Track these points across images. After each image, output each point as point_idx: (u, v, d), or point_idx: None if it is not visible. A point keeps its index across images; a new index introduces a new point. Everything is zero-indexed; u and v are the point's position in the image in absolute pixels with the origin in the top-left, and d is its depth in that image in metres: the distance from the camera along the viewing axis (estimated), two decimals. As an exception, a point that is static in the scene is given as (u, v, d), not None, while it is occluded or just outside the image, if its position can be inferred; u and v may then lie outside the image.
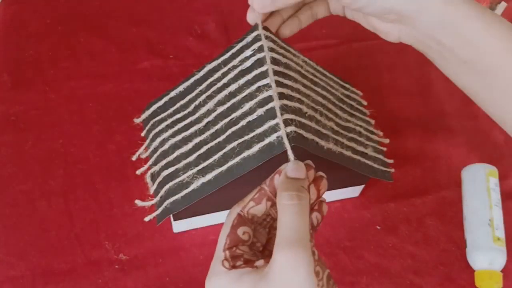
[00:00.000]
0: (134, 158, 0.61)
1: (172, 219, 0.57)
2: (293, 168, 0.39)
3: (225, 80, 0.51)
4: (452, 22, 0.44)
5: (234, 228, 0.39)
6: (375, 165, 0.58)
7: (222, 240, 0.39)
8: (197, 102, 0.53)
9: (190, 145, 0.52)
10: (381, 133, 0.62)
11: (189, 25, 0.79)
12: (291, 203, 0.36)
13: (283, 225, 0.36)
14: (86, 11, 0.79)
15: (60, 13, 0.78)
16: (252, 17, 0.49)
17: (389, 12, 0.45)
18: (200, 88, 0.54)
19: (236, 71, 0.50)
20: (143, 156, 0.61)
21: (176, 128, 0.54)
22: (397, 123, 0.72)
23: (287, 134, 0.44)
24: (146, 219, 0.55)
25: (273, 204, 0.41)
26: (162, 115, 0.57)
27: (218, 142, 0.49)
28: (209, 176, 0.48)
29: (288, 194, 0.37)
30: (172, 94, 0.57)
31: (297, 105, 0.47)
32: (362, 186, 0.64)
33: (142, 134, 0.61)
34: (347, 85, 0.62)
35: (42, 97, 0.69)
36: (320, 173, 0.41)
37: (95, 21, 0.78)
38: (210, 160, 0.49)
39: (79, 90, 0.70)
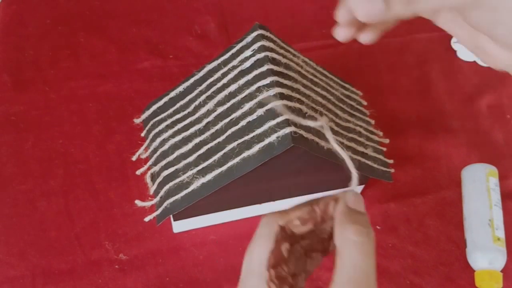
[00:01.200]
0: (134, 158, 0.62)
1: (172, 219, 0.57)
2: (354, 200, 0.35)
3: (225, 81, 0.51)
4: None
5: (278, 244, 0.35)
6: (375, 165, 0.58)
7: (263, 255, 0.34)
8: (197, 103, 0.53)
9: (190, 146, 0.52)
10: (381, 133, 0.62)
11: (189, 25, 0.79)
12: (361, 240, 0.32)
13: (349, 263, 0.32)
14: (86, 11, 0.79)
15: (60, 13, 0.78)
16: (342, 34, 0.40)
17: None
18: (200, 88, 0.54)
19: (236, 72, 0.50)
20: (143, 156, 0.61)
21: (176, 128, 0.54)
22: (397, 123, 0.72)
23: (288, 136, 0.44)
24: (146, 219, 0.55)
25: (315, 229, 0.37)
26: (162, 115, 0.57)
27: (218, 142, 0.49)
28: (209, 177, 0.48)
29: (357, 229, 0.33)
30: (172, 94, 0.57)
31: (297, 105, 0.47)
32: (362, 186, 0.64)
33: (142, 134, 0.61)
34: (347, 85, 0.62)
35: (42, 97, 0.69)
36: None
37: (95, 21, 0.78)
38: (210, 161, 0.49)
39: (79, 90, 0.70)
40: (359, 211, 0.34)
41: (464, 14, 0.37)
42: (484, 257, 0.60)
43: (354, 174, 0.36)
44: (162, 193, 0.53)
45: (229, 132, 0.48)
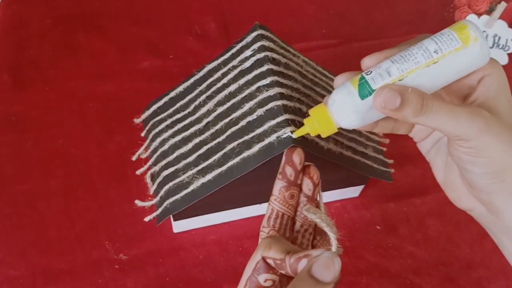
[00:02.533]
0: (134, 158, 0.61)
1: (172, 219, 0.57)
2: (322, 267, 0.32)
3: (225, 80, 0.51)
4: None
5: (255, 272, 0.35)
6: (375, 165, 0.58)
7: (243, 280, 0.35)
8: (197, 102, 0.53)
9: (190, 145, 0.52)
10: (381, 133, 0.62)
11: (189, 25, 0.79)
12: None
13: None
14: (86, 11, 0.79)
15: (60, 13, 0.78)
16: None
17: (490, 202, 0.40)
18: (200, 88, 0.54)
19: (236, 71, 0.50)
20: (143, 156, 0.61)
21: (176, 128, 0.54)
22: (397, 123, 0.72)
23: (288, 136, 0.44)
24: (146, 219, 0.55)
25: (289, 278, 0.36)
26: (162, 115, 0.57)
27: (218, 142, 0.49)
28: (209, 176, 0.48)
29: None
30: (172, 94, 0.57)
31: (297, 105, 0.47)
32: (362, 186, 0.64)
33: (142, 134, 0.61)
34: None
35: (42, 97, 0.69)
36: (307, 163, 0.39)
37: (95, 21, 0.78)
38: (210, 160, 0.49)
39: (79, 90, 0.70)
40: (319, 281, 0.32)
41: (453, 144, 0.39)
42: None
43: (333, 237, 0.35)
44: (162, 193, 0.53)
45: (229, 132, 0.48)
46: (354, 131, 0.57)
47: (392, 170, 0.61)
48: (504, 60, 0.80)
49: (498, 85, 0.39)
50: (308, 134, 0.45)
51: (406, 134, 0.46)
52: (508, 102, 0.39)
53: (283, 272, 0.34)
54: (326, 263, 0.32)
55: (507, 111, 0.39)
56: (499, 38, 0.79)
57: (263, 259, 0.35)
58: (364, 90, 0.37)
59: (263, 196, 0.56)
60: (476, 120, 0.36)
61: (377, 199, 0.66)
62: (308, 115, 0.40)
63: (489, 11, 0.79)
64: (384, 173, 0.59)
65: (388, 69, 0.37)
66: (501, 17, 0.78)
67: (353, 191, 0.64)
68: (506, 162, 0.37)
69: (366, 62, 0.39)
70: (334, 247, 0.34)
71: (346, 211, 0.65)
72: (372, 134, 0.60)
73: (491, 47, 0.80)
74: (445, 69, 0.37)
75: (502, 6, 0.77)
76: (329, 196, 0.63)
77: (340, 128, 0.54)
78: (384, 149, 0.61)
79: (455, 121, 0.36)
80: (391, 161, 0.61)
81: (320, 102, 0.52)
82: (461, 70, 0.37)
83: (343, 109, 0.38)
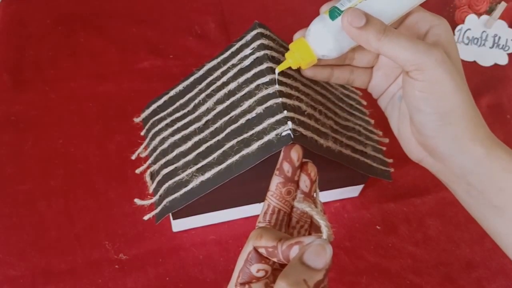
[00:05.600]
0: (133, 157, 0.61)
1: (171, 217, 0.57)
2: (314, 252, 0.33)
3: (224, 79, 0.51)
4: (489, 172, 0.41)
5: (247, 263, 0.35)
6: (375, 164, 0.58)
7: (235, 273, 0.36)
8: (196, 101, 0.54)
9: (189, 144, 0.52)
10: (380, 133, 0.62)
11: (189, 25, 0.79)
12: None
13: None
14: (86, 11, 0.79)
15: (60, 13, 0.78)
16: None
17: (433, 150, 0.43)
18: (200, 87, 0.54)
19: (235, 70, 0.50)
20: (143, 155, 0.61)
21: (175, 126, 0.54)
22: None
23: (287, 133, 0.44)
24: (145, 217, 0.55)
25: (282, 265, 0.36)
26: (162, 114, 0.57)
27: (218, 140, 0.49)
28: (208, 174, 0.48)
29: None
30: (172, 93, 0.57)
31: (296, 103, 0.47)
32: (361, 186, 0.64)
33: (142, 133, 0.61)
34: (346, 85, 0.62)
35: (42, 97, 0.69)
36: (304, 160, 0.39)
37: (95, 21, 0.78)
38: (210, 158, 0.49)
39: (79, 90, 0.70)
40: (311, 268, 0.32)
41: (408, 80, 0.41)
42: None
43: (323, 224, 0.35)
44: (161, 191, 0.53)
45: (228, 130, 0.48)
46: (353, 129, 0.57)
47: (392, 169, 0.61)
48: (504, 60, 0.80)
49: (448, 33, 0.42)
50: (307, 131, 0.46)
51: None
52: (457, 51, 0.42)
53: (275, 260, 0.35)
54: (318, 250, 0.32)
55: (458, 59, 0.42)
56: (499, 38, 0.79)
57: (255, 249, 0.35)
58: (334, 13, 0.41)
59: (263, 195, 0.57)
60: (434, 51, 0.39)
61: (377, 199, 0.66)
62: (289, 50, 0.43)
63: (489, 11, 0.79)
64: (384, 172, 0.59)
65: None
66: (501, 17, 0.78)
67: (353, 191, 0.64)
68: (454, 103, 0.39)
69: (323, 8, 0.43)
70: (325, 235, 0.35)
71: (346, 211, 0.65)
72: (371, 133, 0.60)
73: (491, 47, 0.80)
74: None
75: (502, 6, 0.77)
76: (328, 196, 0.63)
77: (340, 126, 0.54)
78: (384, 148, 0.61)
79: (414, 48, 0.38)
80: (390, 160, 0.61)
81: (319, 101, 0.53)
82: None
83: (317, 34, 0.42)
